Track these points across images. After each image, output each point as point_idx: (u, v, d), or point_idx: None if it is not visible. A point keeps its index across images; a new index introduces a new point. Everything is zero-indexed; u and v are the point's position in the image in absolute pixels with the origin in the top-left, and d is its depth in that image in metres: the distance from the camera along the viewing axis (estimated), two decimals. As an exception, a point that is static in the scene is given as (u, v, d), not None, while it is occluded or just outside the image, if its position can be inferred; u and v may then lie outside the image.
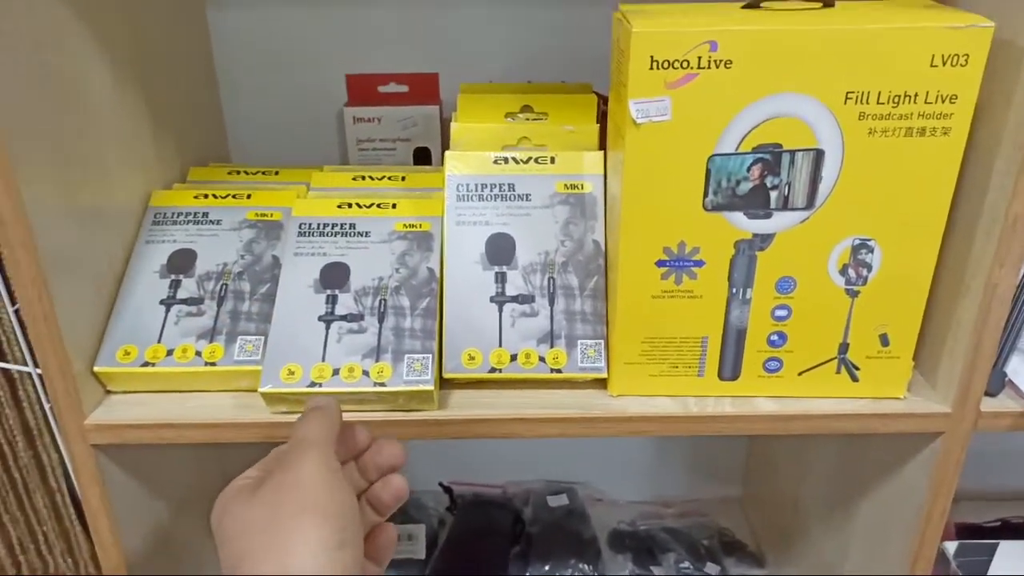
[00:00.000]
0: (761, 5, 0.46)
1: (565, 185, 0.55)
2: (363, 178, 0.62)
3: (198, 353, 0.51)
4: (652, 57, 0.43)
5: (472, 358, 0.52)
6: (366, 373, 0.49)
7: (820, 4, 0.46)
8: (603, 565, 0.85)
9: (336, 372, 0.49)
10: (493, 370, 0.52)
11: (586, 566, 0.84)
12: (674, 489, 0.98)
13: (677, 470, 0.97)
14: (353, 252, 0.54)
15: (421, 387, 0.49)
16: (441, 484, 0.94)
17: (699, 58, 0.43)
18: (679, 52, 0.43)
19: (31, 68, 0.46)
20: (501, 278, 0.53)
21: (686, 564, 0.84)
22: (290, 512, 0.34)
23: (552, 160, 0.56)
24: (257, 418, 0.51)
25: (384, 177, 0.62)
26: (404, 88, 0.75)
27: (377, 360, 0.50)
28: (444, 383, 0.53)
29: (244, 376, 0.51)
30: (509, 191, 0.55)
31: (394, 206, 0.57)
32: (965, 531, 0.88)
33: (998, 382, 0.52)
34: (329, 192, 0.59)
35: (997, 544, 0.67)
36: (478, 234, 0.54)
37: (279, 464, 0.36)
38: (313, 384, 0.49)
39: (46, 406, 0.55)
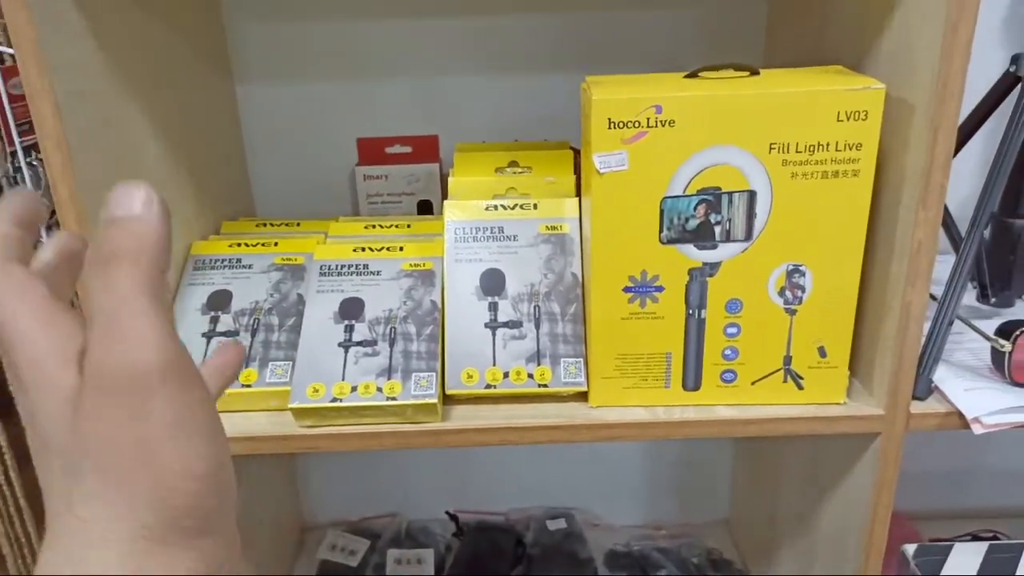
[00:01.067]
0: (700, 75, 0.56)
1: (547, 227, 0.64)
2: (374, 226, 0.71)
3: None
4: (610, 119, 0.53)
5: (470, 376, 0.60)
6: (379, 389, 0.58)
7: (748, 72, 0.56)
8: (599, 583, 0.91)
9: (354, 389, 0.58)
10: (488, 386, 0.60)
11: (583, 584, 0.90)
12: (666, 513, 1.04)
13: (668, 495, 1.04)
14: (367, 288, 0.63)
15: (427, 400, 0.57)
16: (448, 512, 1.01)
17: (648, 119, 0.53)
18: (631, 115, 0.53)
19: (100, 143, 0.56)
20: (494, 307, 0.62)
21: (675, 579, 0.90)
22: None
23: (535, 206, 0.65)
24: (288, 431, 0.59)
25: (392, 225, 0.72)
26: (408, 149, 0.85)
27: (389, 378, 0.58)
28: (447, 399, 0.61)
29: (275, 396, 0.60)
30: (499, 233, 0.64)
31: (401, 249, 0.66)
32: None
33: (925, 388, 0.60)
34: (345, 239, 0.69)
35: (952, 545, 0.74)
36: (474, 270, 0.63)
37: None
38: (335, 400, 0.57)
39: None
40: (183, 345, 0.25)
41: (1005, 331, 0.62)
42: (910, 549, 0.75)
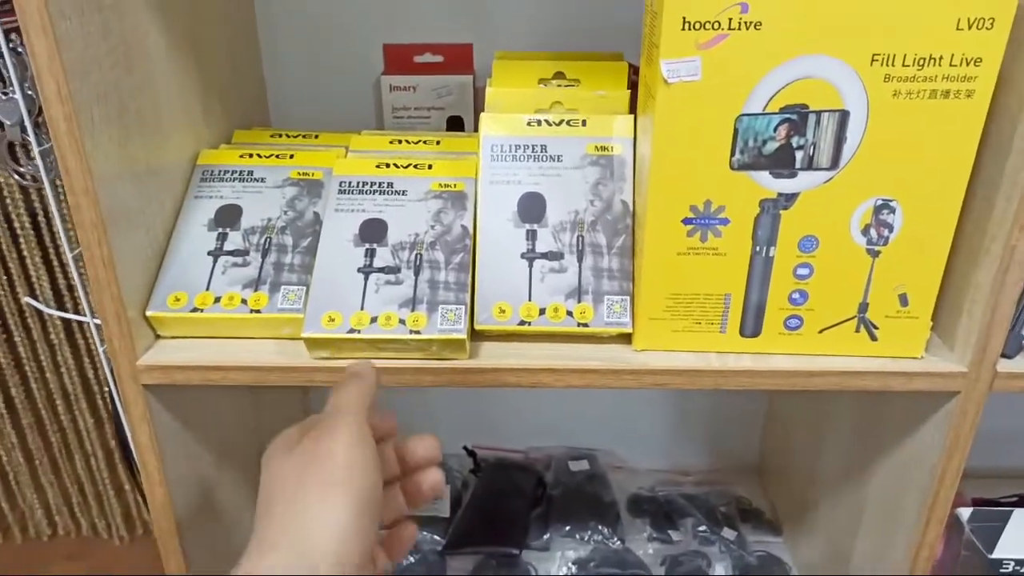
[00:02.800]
0: (791, -30, 0.47)
1: (595, 147, 0.57)
2: (400, 142, 0.64)
3: (244, 301, 0.54)
4: (684, 18, 0.45)
5: (503, 311, 0.54)
6: (402, 321, 0.52)
7: (849, -31, 0.48)
8: (622, 528, 0.88)
9: (374, 320, 0.52)
10: (523, 323, 0.54)
11: (605, 528, 0.87)
12: (693, 458, 1.00)
13: (696, 440, 0.99)
14: (391, 209, 0.57)
15: (454, 335, 0.51)
16: (465, 447, 0.97)
17: (730, 19, 0.45)
18: (711, 13, 0.45)
19: (96, 30, 0.49)
20: (532, 235, 0.55)
21: (703, 528, 0.86)
22: (317, 481, 0.36)
23: (583, 123, 0.58)
24: (299, 363, 0.53)
25: (420, 141, 0.64)
26: (439, 58, 0.77)
27: (413, 310, 0.52)
28: (476, 335, 0.55)
29: (287, 323, 0.54)
30: (541, 152, 0.57)
31: (430, 167, 0.59)
32: (982, 505, 0.89)
33: (1015, 344, 0.54)
34: (368, 154, 0.62)
35: (1011, 512, 0.68)
36: (511, 193, 0.56)
37: (316, 428, 0.39)
38: (352, 331, 0.52)
39: (101, 350, 0.58)
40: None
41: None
42: (965, 513, 0.69)
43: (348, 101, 0.79)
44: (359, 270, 0.54)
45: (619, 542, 0.86)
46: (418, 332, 0.52)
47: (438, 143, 0.64)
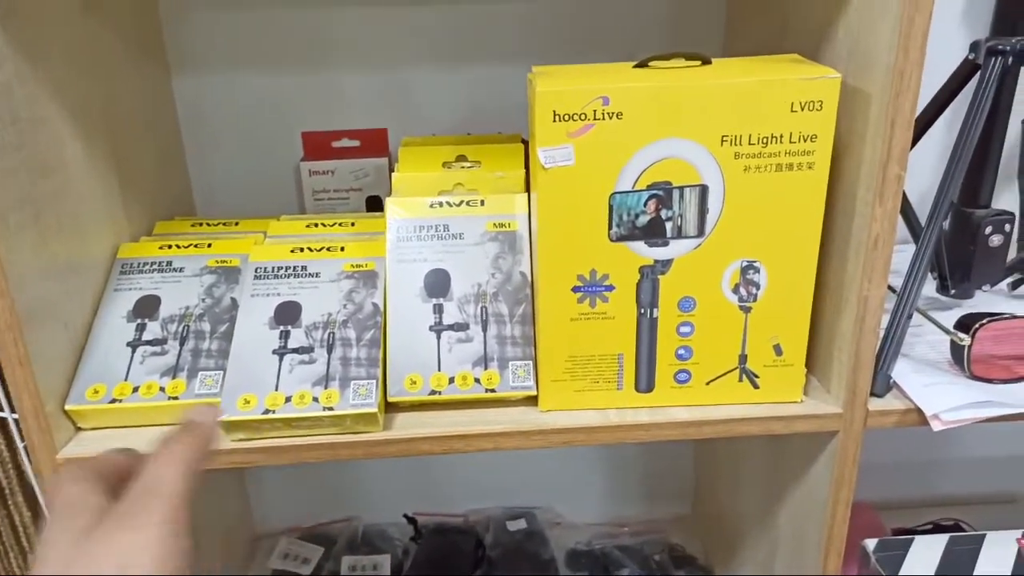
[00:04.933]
0: (649, 64, 0.53)
1: (494, 224, 0.61)
2: (316, 225, 0.68)
3: (162, 389, 0.56)
4: (555, 111, 0.50)
5: (414, 382, 0.57)
6: (316, 399, 0.55)
7: (699, 62, 0.54)
8: (561, 584, 0.89)
9: (288, 399, 0.55)
10: (433, 392, 0.57)
11: (545, 586, 0.88)
12: (630, 509, 1.03)
13: (632, 490, 1.03)
14: (305, 291, 0.60)
15: (366, 409, 0.54)
16: (405, 515, 0.98)
17: (594, 111, 0.50)
18: (577, 107, 0.50)
19: (11, 142, 0.52)
20: (439, 309, 0.59)
21: (637, 578, 0.88)
22: None
23: (482, 203, 0.62)
24: (220, 446, 0.55)
25: (336, 223, 0.68)
26: (356, 143, 0.81)
27: (326, 387, 0.55)
28: (389, 407, 0.58)
29: (205, 407, 0.56)
30: (444, 231, 0.61)
31: (342, 249, 0.63)
32: (900, 535, 0.94)
33: (883, 384, 0.59)
34: (284, 239, 0.65)
35: (912, 539, 0.73)
36: (417, 270, 0.60)
37: (114, 517, 0.31)
38: (267, 411, 0.54)
39: (21, 446, 0.59)
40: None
41: (964, 324, 0.60)
42: (871, 544, 0.74)
43: (270, 186, 0.83)
44: (274, 352, 0.57)
45: (558, 599, 0.88)
46: (331, 408, 0.54)
47: (353, 224, 0.68)
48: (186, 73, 0.78)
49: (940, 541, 0.72)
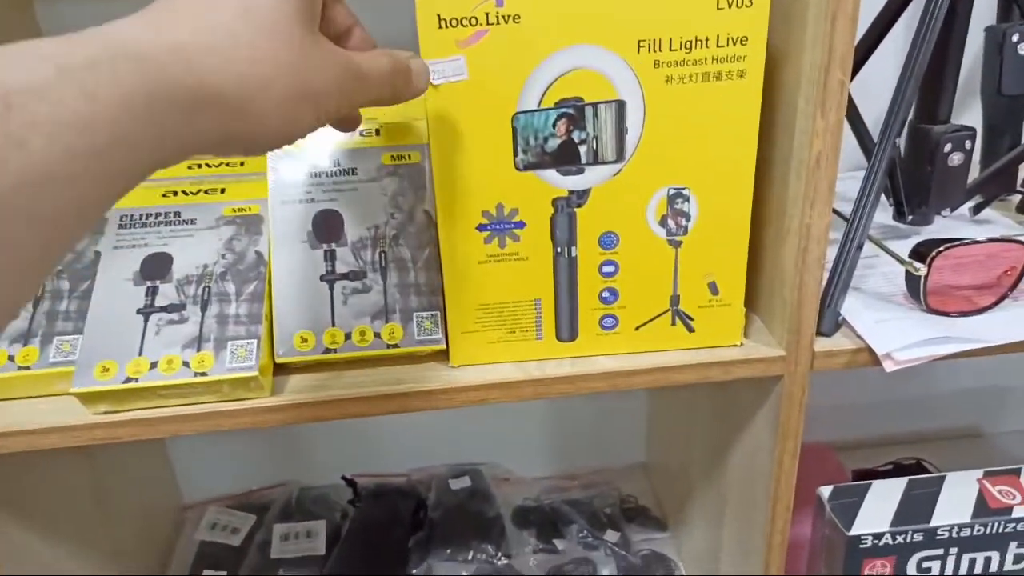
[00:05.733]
0: (553, -41, 0.45)
1: (392, 156, 0.54)
2: (199, 165, 0.60)
3: (11, 358, 0.49)
4: (439, 15, 0.42)
5: (305, 340, 0.50)
6: (186, 364, 0.48)
7: (613, -45, 0.46)
8: (507, 543, 0.85)
9: (154, 365, 0.48)
10: (327, 351, 0.50)
11: (489, 546, 0.84)
12: (580, 461, 0.98)
13: (582, 442, 0.98)
14: (178, 241, 0.52)
15: (245, 373, 0.48)
16: (344, 477, 0.92)
17: (487, 14, 0.42)
18: (465, 9, 0.42)
19: None
20: (330, 256, 0.52)
21: (585, 534, 0.84)
22: None
23: (377, 132, 0.55)
24: (79, 420, 0.48)
25: (222, 164, 0.60)
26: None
27: (199, 350, 0.48)
28: (279, 369, 0.51)
29: (61, 378, 0.49)
30: (335, 167, 0.54)
31: (223, 191, 0.55)
32: (860, 476, 0.90)
33: (831, 322, 0.53)
34: (157, 182, 0.57)
35: (869, 485, 0.68)
36: (304, 212, 0.53)
37: None
38: (129, 380, 0.47)
39: None
40: None
41: (920, 252, 0.54)
42: (825, 492, 0.69)
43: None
44: (138, 311, 0.49)
45: (504, 558, 0.83)
46: (204, 374, 0.47)
47: (242, 164, 0.60)
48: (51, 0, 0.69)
49: (898, 486, 0.67)
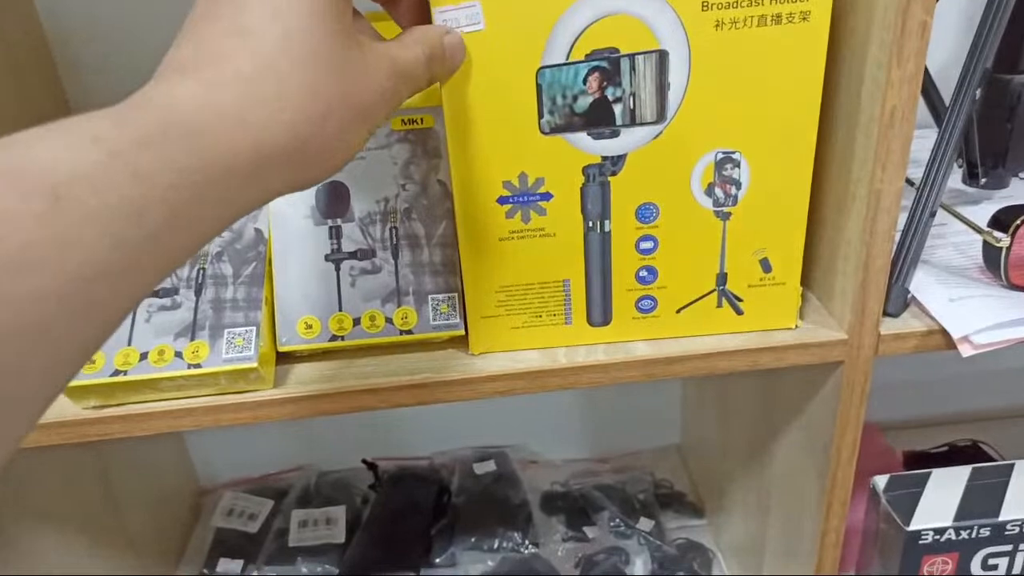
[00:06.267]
0: None
1: (403, 121, 0.48)
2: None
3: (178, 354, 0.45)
4: (450, -46, 0.36)
5: (309, 327, 0.46)
6: (179, 355, 0.43)
7: None
8: (534, 530, 0.81)
9: (144, 356, 0.43)
10: (334, 338, 0.46)
11: (516, 534, 0.80)
12: (612, 444, 0.93)
13: (614, 423, 0.93)
14: (170, 219, 0.48)
15: (243, 364, 0.43)
16: (364, 460, 0.89)
17: (506, -50, 0.36)
18: (481, -55, 0.36)
19: None
20: (336, 233, 0.47)
21: (617, 522, 0.80)
22: None
23: (386, 95, 0.49)
24: (69, 416, 0.44)
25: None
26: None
27: (192, 339, 0.44)
28: (283, 358, 0.47)
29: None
30: (341, 134, 0.48)
31: (219, 163, 0.50)
32: (912, 460, 0.84)
33: (899, 301, 0.47)
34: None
35: (929, 474, 0.63)
36: (307, 186, 0.47)
37: None
38: (117, 372, 0.43)
39: None
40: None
41: (1001, 221, 0.48)
42: (880, 482, 0.63)
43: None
44: (127, 298, 0.45)
45: (532, 547, 0.79)
46: (198, 365, 0.43)
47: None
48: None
49: (961, 475, 0.62)
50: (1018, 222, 0.47)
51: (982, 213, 0.52)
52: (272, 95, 0.26)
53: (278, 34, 0.27)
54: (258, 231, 0.47)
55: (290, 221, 0.47)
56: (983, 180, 0.57)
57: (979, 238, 0.49)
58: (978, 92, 0.53)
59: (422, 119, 0.48)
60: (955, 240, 0.54)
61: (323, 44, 0.27)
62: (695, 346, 0.46)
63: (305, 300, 0.46)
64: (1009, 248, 0.47)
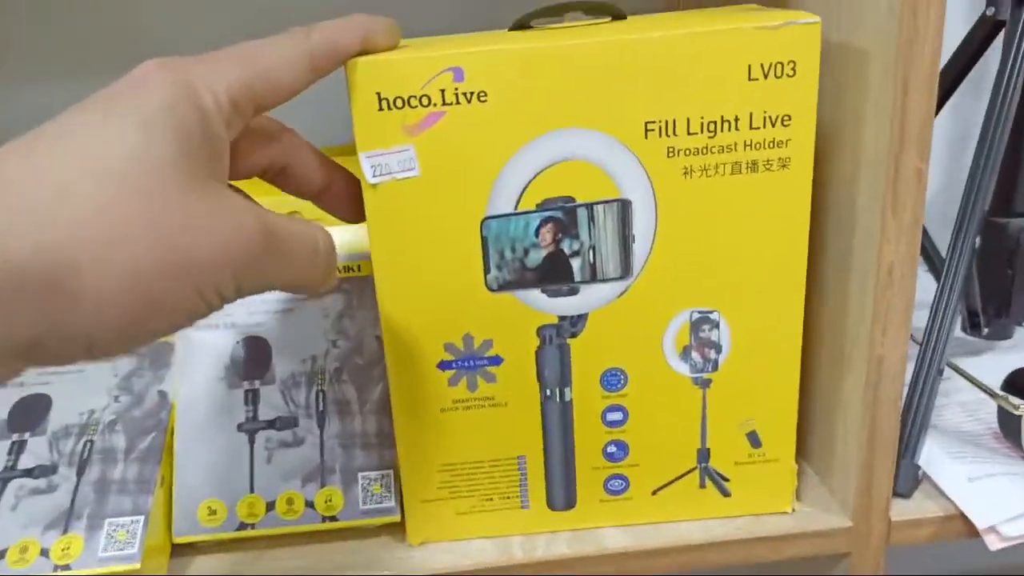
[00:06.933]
0: (532, 25, 0.36)
1: (338, 268, 0.43)
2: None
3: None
4: (379, 94, 0.32)
5: (213, 512, 0.38)
6: (45, 552, 0.35)
7: (609, 17, 0.36)
8: None
9: (2, 555, 0.35)
10: (243, 526, 0.38)
11: None
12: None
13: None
14: (63, 379, 0.41)
15: (123, 566, 0.35)
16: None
17: (442, 91, 0.32)
18: (415, 85, 0.32)
19: None
20: (253, 397, 0.40)
21: None
22: (104, 96, 0.23)
23: (321, 239, 0.44)
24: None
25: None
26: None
27: (65, 531, 0.36)
28: (178, 550, 0.39)
29: None
30: (267, 283, 0.43)
31: (129, 313, 0.44)
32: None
33: (909, 479, 0.40)
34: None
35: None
36: (223, 341, 0.41)
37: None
38: (-37, 578, 0.35)
39: None
40: None
41: (1017, 385, 0.42)
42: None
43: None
44: (-7, 478, 0.38)
45: None
46: (67, 567, 0.35)
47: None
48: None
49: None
50: (1037, 386, 0.41)
51: (988, 366, 0.46)
52: (42, 204, 0.20)
53: (90, 144, 0.22)
54: (162, 394, 0.41)
55: (199, 384, 0.40)
56: (985, 330, 0.52)
57: (986, 397, 0.43)
58: (977, 240, 0.49)
59: (359, 266, 0.43)
60: (961, 399, 0.48)
61: (141, 169, 0.22)
62: (678, 534, 0.39)
63: (210, 479, 0.39)
64: (1030, 415, 0.41)
